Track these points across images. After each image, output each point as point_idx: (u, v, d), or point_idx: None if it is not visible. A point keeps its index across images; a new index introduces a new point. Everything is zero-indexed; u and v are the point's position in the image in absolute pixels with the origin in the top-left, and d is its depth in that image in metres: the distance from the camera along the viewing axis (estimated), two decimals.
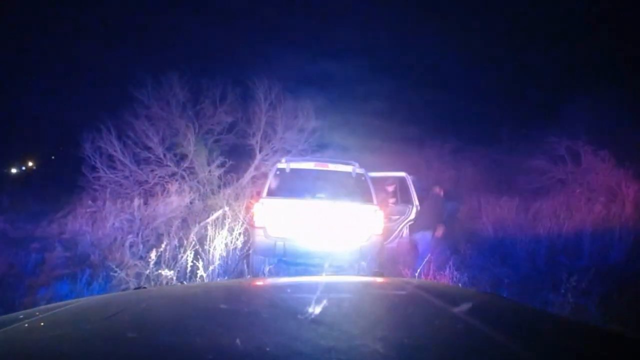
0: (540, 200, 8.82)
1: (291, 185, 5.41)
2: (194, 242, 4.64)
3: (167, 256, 4.52)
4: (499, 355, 0.92)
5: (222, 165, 8.91)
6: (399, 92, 15.02)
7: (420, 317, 1.18)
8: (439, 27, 19.04)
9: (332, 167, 5.64)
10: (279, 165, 5.61)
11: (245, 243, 5.27)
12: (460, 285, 4.19)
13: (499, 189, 10.00)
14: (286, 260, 5.46)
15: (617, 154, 9.20)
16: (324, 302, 1.08)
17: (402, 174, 6.85)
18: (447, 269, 4.56)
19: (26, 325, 1.07)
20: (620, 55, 13.33)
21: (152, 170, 8.66)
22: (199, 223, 5.91)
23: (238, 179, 8.84)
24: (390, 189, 6.88)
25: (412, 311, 1.27)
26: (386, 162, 7.88)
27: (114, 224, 6.24)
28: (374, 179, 5.81)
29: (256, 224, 5.16)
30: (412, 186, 6.64)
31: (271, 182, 5.42)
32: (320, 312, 1.03)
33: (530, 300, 4.07)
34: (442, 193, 6.78)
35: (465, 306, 1.17)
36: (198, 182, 8.85)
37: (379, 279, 1.78)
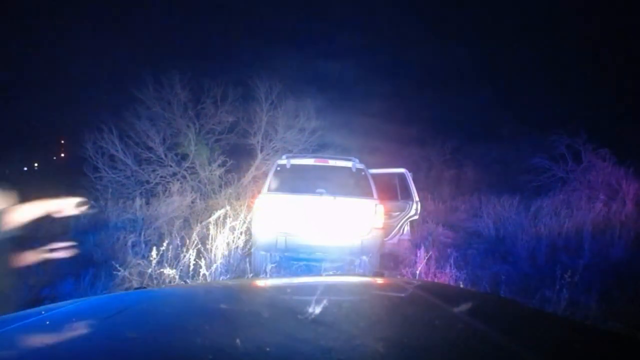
0: (540, 199, 8.82)
1: (292, 181, 5.42)
2: (196, 242, 4.64)
3: (169, 255, 4.52)
4: (499, 355, 0.92)
5: (223, 165, 8.91)
6: (399, 92, 15.03)
7: (420, 318, 1.18)
8: (440, 26, 19.00)
9: (332, 162, 5.65)
10: (279, 162, 5.62)
11: (246, 242, 5.28)
12: (460, 284, 4.19)
13: (499, 187, 9.99)
14: (287, 255, 5.47)
15: (618, 152, 9.20)
16: (324, 302, 1.08)
17: (402, 170, 6.84)
18: (448, 267, 4.56)
19: (26, 325, 1.07)
20: (619, 54, 13.30)
21: (153, 170, 8.67)
22: (201, 222, 5.90)
23: (239, 179, 8.85)
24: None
25: (412, 311, 1.27)
26: (387, 161, 7.87)
27: (116, 223, 6.25)
28: (374, 176, 5.81)
29: (257, 220, 5.18)
30: (412, 182, 6.63)
31: (272, 178, 5.44)
32: (321, 313, 1.03)
33: (530, 298, 4.06)
34: None
35: (465, 306, 1.17)
36: (199, 181, 8.85)
37: (379, 280, 1.78)
